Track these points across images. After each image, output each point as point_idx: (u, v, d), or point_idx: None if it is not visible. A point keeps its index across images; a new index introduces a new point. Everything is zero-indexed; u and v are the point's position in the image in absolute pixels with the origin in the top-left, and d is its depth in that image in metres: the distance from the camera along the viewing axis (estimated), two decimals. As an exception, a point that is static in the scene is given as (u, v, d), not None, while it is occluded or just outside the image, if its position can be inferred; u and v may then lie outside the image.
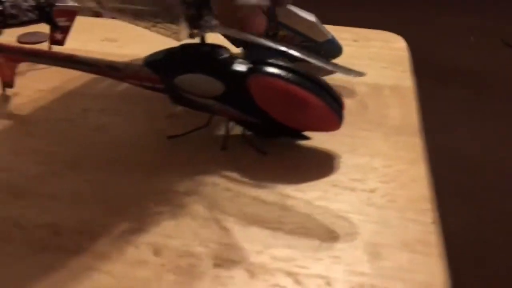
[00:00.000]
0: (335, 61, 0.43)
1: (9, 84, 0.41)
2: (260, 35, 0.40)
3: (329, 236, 0.29)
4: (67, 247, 0.27)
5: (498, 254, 1.27)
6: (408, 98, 0.44)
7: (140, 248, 0.27)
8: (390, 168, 0.35)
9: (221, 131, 0.37)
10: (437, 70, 2.17)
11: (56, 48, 0.44)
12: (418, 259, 0.27)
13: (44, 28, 0.55)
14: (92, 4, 0.36)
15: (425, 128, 0.40)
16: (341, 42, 0.56)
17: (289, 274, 0.26)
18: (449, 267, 0.27)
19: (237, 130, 0.37)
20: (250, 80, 0.34)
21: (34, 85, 0.43)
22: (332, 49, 0.45)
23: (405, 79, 0.48)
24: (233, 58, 0.35)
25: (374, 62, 0.51)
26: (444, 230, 0.30)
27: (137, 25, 0.35)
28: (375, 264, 0.27)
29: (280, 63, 0.34)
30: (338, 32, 0.58)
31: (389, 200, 0.32)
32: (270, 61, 0.34)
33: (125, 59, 0.48)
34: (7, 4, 0.54)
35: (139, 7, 0.34)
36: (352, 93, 0.44)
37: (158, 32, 0.35)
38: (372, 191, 0.32)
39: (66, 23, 0.44)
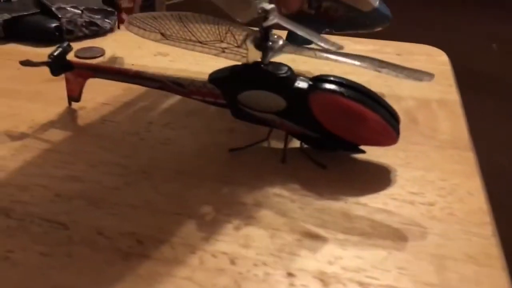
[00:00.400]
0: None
1: (75, 98, 0.43)
2: (296, 8, 0.41)
3: (394, 247, 0.30)
4: (150, 254, 0.29)
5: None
6: (456, 112, 0.46)
7: (217, 257, 0.29)
8: (446, 181, 0.36)
9: (280, 144, 0.39)
10: (459, 75, 2.17)
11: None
12: (483, 272, 0.28)
13: (100, 43, 0.58)
14: (158, 37, 0.37)
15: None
16: (385, 56, 0.58)
17: (361, 284, 0.28)
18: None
19: (294, 143, 0.39)
20: (311, 96, 0.36)
21: (98, 99, 0.45)
22: (378, 18, 0.44)
23: (451, 93, 0.49)
24: (294, 75, 0.36)
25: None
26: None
27: (205, 53, 0.37)
28: (442, 275, 0.28)
29: (340, 79, 0.36)
30: (381, 46, 0.60)
31: (449, 213, 0.33)
32: (330, 77, 0.36)
33: (178, 72, 0.50)
34: (64, 20, 0.57)
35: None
36: (401, 106, 0.45)
37: (227, 58, 0.37)
38: (431, 204, 0.34)
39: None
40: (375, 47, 0.59)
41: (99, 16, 0.60)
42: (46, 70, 0.40)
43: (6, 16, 0.57)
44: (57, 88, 0.44)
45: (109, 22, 0.61)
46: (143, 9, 0.82)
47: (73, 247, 0.29)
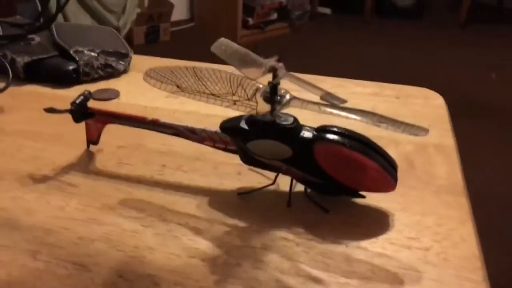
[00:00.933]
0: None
1: (94, 142, 0.46)
2: None
3: (392, 285, 0.32)
4: (167, 297, 0.31)
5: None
6: (452, 157, 0.48)
7: (229, 299, 0.31)
8: (441, 226, 0.38)
9: (286, 188, 0.41)
10: (459, 103, 2.21)
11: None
12: (474, 315, 0.31)
13: (114, 84, 0.62)
14: (173, 89, 0.40)
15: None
16: (384, 99, 0.61)
17: (362, 326, 0.30)
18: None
19: (300, 187, 0.42)
20: (315, 146, 0.38)
21: (115, 142, 0.48)
22: None
23: (447, 137, 0.52)
24: (300, 126, 0.39)
25: (418, 120, 0.54)
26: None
27: (218, 105, 0.40)
28: (436, 318, 0.31)
29: (341, 130, 0.39)
30: (381, 89, 0.63)
31: (444, 258, 0.35)
32: (333, 128, 0.39)
33: (188, 114, 0.53)
34: (81, 62, 0.60)
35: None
36: (399, 151, 0.48)
37: (238, 110, 0.40)
38: (427, 249, 0.36)
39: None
40: (375, 89, 0.63)
41: (113, 58, 0.64)
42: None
43: (27, 59, 0.60)
44: (77, 130, 0.47)
45: (123, 64, 0.64)
46: (148, 35, 0.86)
47: (95, 288, 0.32)
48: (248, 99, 0.39)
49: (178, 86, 0.40)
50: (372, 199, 0.41)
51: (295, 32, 3.39)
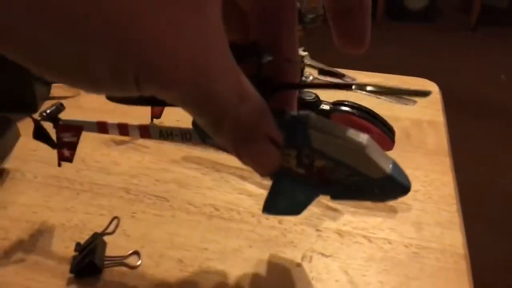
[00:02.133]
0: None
1: (157, 116, 0.59)
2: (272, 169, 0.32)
3: (388, 216, 0.45)
4: (225, 217, 0.44)
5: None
6: (441, 130, 0.60)
7: None
8: (428, 177, 0.50)
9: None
10: (470, 105, 2.31)
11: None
12: (447, 232, 0.43)
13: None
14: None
15: (460, 161, 0.54)
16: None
17: (364, 236, 0.42)
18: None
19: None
20: (332, 115, 0.51)
21: (173, 117, 0.61)
22: (391, 188, 0.33)
23: (439, 116, 0.64)
24: (320, 101, 0.52)
25: (417, 103, 0.67)
26: (476, 261, 0.43)
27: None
28: (419, 233, 0.43)
29: (352, 103, 0.51)
30: (386, 79, 0.75)
31: (428, 197, 0.47)
32: (345, 102, 0.51)
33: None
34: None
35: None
36: (399, 125, 0.60)
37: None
38: (416, 191, 0.48)
39: (73, 139, 0.42)
40: (380, 79, 0.75)
41: None
42: None
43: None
44: (140, 110, 0.59)
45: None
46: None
47: (174, 211, 0.45)
48: None
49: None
50: (375, 158, 0.53)
51: (308, 35, 3.52)
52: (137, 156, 0.53)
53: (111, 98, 0.41)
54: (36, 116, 0.42)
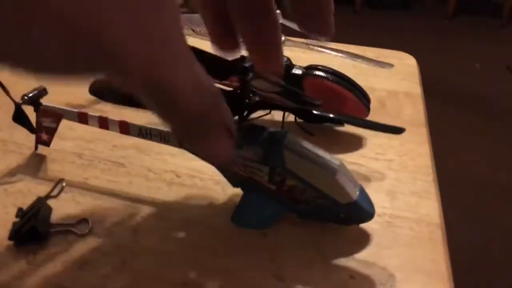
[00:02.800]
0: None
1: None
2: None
3: (363, 182, 0.42)
4: (186, 184, 0.41)
5: (501, 270, 1.39)
6: (418, 101, 0.58)
7: (235, 187, 0.41)
8: (403, 146, 0.48)
9: (279, 118, 0.50)
10: (445, 93, 2.32)
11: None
12: (423, 201, 0.40)
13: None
14: (189, 32, 0.49)
15: (434, 148, 0.52)
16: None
17: (336, 204, 0.39)
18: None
19: (291, 118, 0.51)
20: (304, 80, 0.48)
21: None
22: (357, 214, 0.35)
23: (416, 88, 0.61)
24: (292, 64, 0.48)
25: (392, 75, 0.64)
26: (451, 246, 0.41)
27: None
28: (393, 202, 0.40)
29: (326, 68, 0.48)
30: (363, 51, 0.72)
31: (403, 166, 0.45)
32: (319, 66, 0.48)
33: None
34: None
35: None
36: (375, 96, 0.58)
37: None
38: (390, 160, 0.46)
39: (52, 125, 0.42)
40: (357, 51, 0.72)
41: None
42: None
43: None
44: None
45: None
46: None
47: (131, 177, 0.41)
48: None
49: (193, 30, 0.49)
50: (348, 127, 0.50)
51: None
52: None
53: (94, 93, 0.42)
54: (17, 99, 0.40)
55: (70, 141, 0.45)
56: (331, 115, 0.49)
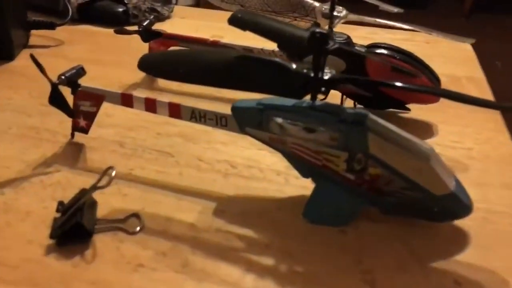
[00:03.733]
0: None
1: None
2: None
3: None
4: (244, 175, 0.36)
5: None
6: (483, 86, 0.53)
7: None
8: (481, 134, 0.42)
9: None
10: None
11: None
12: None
13: (159, 27, 0.65)
14: (235, 7, 0.44)
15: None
16: (415, 44, 0.65)
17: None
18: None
19: (349, 103, 0.45)
20: (368, 59, 0.42)
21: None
22: (453, 207, 0.30)
23: (477, 72, 0.56)
24: (353, 43, 0.43)
25: (448, 60, 0.59)
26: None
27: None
28: (484, 196, 0.35)
29: (390, 46, 0.42)
30: (412, 35, 0.67)
31: (485, 155, 0.39)
32: (383, 44, 0.43)
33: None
34: (130, 5, 0.64)
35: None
36: (435, 81, 0.52)
37: (299, 25, 0.44)
38: (470, 149, 0.40)
39: (92, 109, 0.37)
40: (406, 36, 0.67)
41: (159, 4, 0.67)
42: (119, 46, 0.47)
43: (80, 0, 0.64)
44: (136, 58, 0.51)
45: (167, 10, 0.68)
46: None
47: (181, 168, 0.36)
48: (307, 15, 0.43)
49: (242, 6, 0.44)
50: (415, 113, 0.45)
51: None
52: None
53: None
54: (54, 79, 0.35)
55: (109, 129, 0.40)
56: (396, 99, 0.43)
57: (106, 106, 0.38)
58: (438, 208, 0.29)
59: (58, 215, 0.30)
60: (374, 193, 0.30)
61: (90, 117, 0.37)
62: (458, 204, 0.29)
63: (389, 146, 0.28)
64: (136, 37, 0.49)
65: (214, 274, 0.27)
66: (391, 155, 0.28)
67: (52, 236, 0.28)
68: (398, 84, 0.30)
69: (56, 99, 0.36)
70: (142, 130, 0.40)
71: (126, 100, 0.36)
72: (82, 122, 0.38)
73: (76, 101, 0.37)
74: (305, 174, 0.32)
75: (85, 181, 0.33)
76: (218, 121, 0.33)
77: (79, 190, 0.30)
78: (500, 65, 2.80)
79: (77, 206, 0.29)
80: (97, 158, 0.37)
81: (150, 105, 0.35)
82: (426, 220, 0.31)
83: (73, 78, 0.36)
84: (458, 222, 0.32)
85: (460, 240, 0.30)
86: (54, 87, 0.36)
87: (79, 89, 0.37)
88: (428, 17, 3.49)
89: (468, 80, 0.54)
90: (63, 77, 0.35)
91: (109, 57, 0.55)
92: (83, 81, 0.37)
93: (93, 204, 0.30)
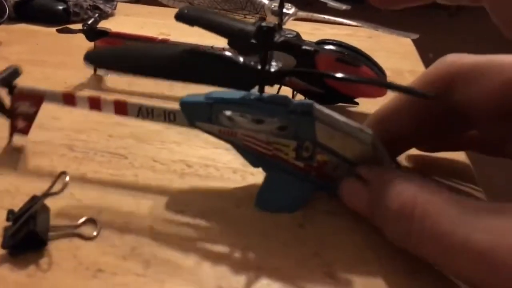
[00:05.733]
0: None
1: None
2: None
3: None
4: (200, 174, 0.35)
5: None
6: (425, 79, 0.55)
7: (256, 175, 0.36)
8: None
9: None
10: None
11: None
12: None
13: (103, 25, 0.63)
14: (184, 5, 0.44)
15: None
16: (359, 39, 0.67)
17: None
18: None
19: (299, 97, 0.46)
20: (317, 56, 0.43)
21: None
22: None
23: (419, 66, 0.58)
24: (302, 40, 0.44)
25: (390, 54, 0.61)
26: None
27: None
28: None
29: (339, 42, 0.44)
30: (356, 30, 0.69)
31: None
32: (332, 41, 0.44)
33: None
34: (70, 3, 0.62)
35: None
36: (380, 75, 0.54)
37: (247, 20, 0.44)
38: (415, 139, 0.42)
39: (31, 110, 0.36)
40: (349, 31, 0.68)
41: (101, 1, 0.66)
42: (62, 46, 0.45)
43: (17, -2, 0.61)
44: (79, 58, 0.49)
45: (110, 7, 0.66)
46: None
47: (136, 170, 0.35)
48: (257, 13, 0.43)
49: (190, 3, 0.44)
50: (364, 107, 0.46)
51: None
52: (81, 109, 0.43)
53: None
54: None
55: (57, 132, 0.39)
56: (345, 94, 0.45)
57: (51, 109, 0.36)
58: None
59: (8, 224, 0.28)
60: (323, 178, 0.31)
61: (30, 118, 0.36)
62: None
63: (334, 133, 0.29)
64: (79, 36, 0.48)
65: (176, 275, 0.27)
66: (336, 141, 0.30)
67: (3, 246, 0.27)
68: (343, 76, 0.31)
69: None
70: (92, 132, 0.39)
71: (68, 99, 0.35)
72: (21, 124, 0.36)
73: (14, 102, 0.35)
74: (255, 164, 0.33)
75: (35, 187, 0.31)
76: (166, 116, 0.33)
77: (30, 197, 0.29)
78: (432, 56, 2.95)
79: (29, 213, 0.28)
80: (46, 163, 0.35)
81: (94, 103, 0.34)
82: None
83: (8, 78, 0.35)
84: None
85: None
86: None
87: (16, 89, 0.35)
88: (369, 11, 3.59)
89: (410, 73, 0.56)
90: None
91: (51, 57, 0.53)
92: (28, 82, 0.36)
93: (46, 210, 0.29)
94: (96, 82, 0.48)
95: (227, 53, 0.35)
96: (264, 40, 0.31)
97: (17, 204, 0.29)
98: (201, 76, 0.40)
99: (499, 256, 0.19)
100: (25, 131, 0.36)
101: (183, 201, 0.33)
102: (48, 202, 0.29)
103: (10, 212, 0.29)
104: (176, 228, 0.30)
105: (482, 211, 0.22)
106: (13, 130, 0.37)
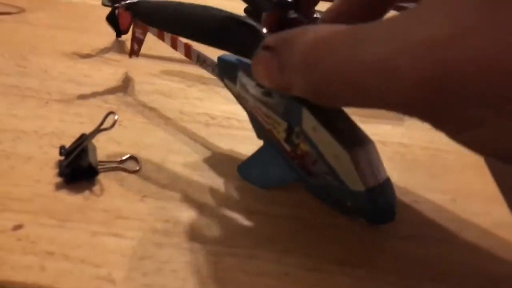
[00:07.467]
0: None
1: (124, 32, 0.52)
2: None
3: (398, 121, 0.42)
4: (223, 125, 0.39)
5: None
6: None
7: None
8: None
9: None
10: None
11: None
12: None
13: None
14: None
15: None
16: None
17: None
18: None
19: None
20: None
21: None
22: (366, 208, 0.28)
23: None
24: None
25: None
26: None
27: None
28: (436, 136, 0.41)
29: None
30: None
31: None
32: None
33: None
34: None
35: None
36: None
37: None
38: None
39: (141, 36, 0.43)
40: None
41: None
42: (81, 14, 0.48)
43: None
44: (101, 23, 0.52)
45: None
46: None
47: (166, 119, 0.39)
48: None
49: None
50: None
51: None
52: (109, 69, 0.46)
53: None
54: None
55: (89, 87, 0.43)
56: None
57: (81, 67, 0.41)
58: (350, 202, 0.29)
59: (61, 158, 0.32)
60: (302, 170, 0.30)
61: (140, 43, 0.44)
62: (374, 207, 0.28)
63: (319, 128, 0.27)
64: (96, 6, 0.51)
65: (210, 205, 0.31)
66: (320, 138, 0.27)
67: (60, 174, 0.31)
68: None
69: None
70: (121, 89, 0.43)
71: (159, 34, 0.41)
72: (135, 46, 0.44)
73: (134, 28, 0.44)
74: (259, 135, 0.34)
75: (78, 131, 0.35)
76: (213, 68, 0.36)
77: (80, 134, 0.33)
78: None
79: (81, 148, 0.31)
80: (84, 112, 0.39)
81: (174, 42, 0.40)
82: (341, 212, 0.30)
83: (131, 5, 0.40)
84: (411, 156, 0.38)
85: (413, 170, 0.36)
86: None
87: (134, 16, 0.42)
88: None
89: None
90: (123, 2, 0.42)
91: (73, 23, 0.56)
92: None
93: (93, 148, 0.33)
94: (119, 46, 0.52)
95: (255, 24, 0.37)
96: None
97: (65, 144, 0.33)
98: (233, 46, 0.41)
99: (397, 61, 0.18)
100: (136, 54, 0.45)
101: (210, 145, 0.37)
102: (95, 141, 0.33)
103: (62, 148, 0.32)
104: (206, 166, 0.34)
105: (373, 28, 0.20)
106: (131, 51, 0.45)
